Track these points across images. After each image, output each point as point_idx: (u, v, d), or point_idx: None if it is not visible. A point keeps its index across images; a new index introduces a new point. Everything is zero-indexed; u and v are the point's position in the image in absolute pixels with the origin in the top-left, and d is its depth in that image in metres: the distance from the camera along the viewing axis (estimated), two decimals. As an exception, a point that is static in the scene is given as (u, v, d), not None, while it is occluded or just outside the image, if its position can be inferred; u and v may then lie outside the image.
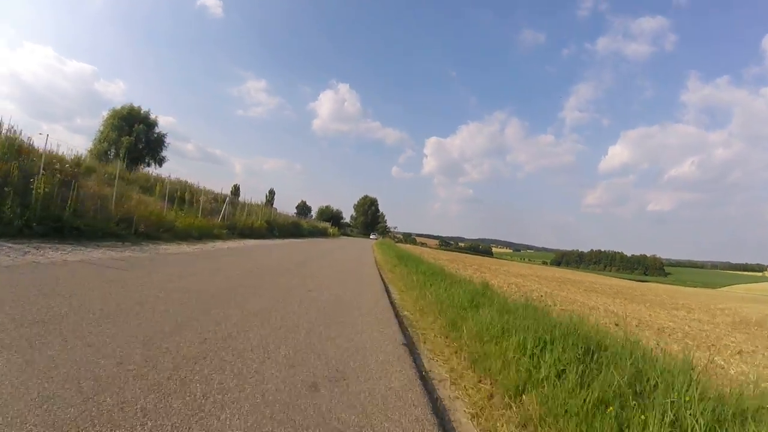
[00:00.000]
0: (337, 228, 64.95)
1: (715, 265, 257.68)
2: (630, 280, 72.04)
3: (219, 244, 13.46)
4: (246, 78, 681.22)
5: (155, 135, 38.76)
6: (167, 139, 40.21)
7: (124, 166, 24.78)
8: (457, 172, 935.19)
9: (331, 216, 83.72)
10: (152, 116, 38.44)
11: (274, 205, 49.45)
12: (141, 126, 36.07)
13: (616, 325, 7.40)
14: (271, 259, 11.48)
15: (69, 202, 9.63)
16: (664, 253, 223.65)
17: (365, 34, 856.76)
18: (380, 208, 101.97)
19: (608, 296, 18.53)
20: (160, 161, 38.97)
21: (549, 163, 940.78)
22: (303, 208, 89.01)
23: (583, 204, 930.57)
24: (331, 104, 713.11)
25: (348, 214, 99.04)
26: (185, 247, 10.51)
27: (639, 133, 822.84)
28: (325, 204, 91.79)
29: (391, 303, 6.69)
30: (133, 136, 35.51)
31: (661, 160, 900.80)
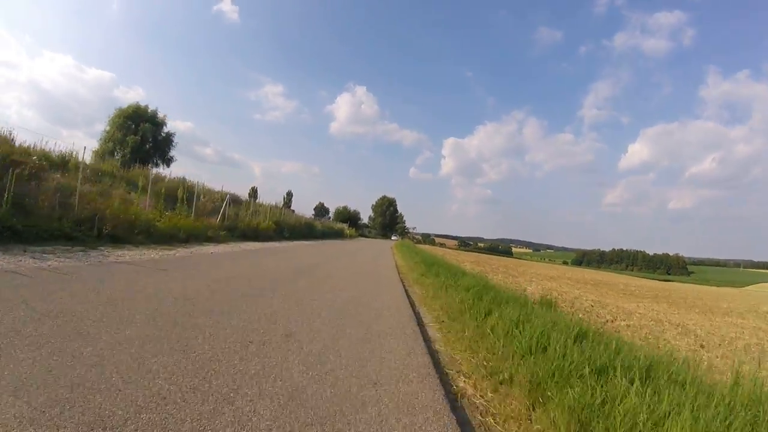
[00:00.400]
0: (354, 229, 63.06)
1: (737, 263, 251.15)
2: (655, 279, 70.02)
3: (207, 249, 11.27)
4: (263, 82, 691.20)
5: (163, 134, 37.38)
6: (176, 139, 38.87)
7: (119, 164, 23.36)
8: (475, 172, 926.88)
9: (348, 217, 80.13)
10: (160, 115, 37.09)
11: (291, 207, 48.58)
12: (147, 125, 34.63)
13: (702, 347, 7.01)
14: (257, 268, 9.00)
15: (6, 195, 7.59)
16: (685, 252, 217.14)
17: (381, 36, 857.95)
18: (398, 208, 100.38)
19: (650, 300, 17.50)
20: (168, 161, 37.59)
21: (568, 162, 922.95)
22: (321, 210, 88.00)
23: (603, 203, 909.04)
24: (349, 107, 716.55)
25: (366, 215, 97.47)
26: (152, 254, 8.27)
27: (658, 130, 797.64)
28: (342, 205, 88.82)
29: (432, 357, 3.71)
30: (139, 135, 34.07)
31: (681, 158, 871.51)
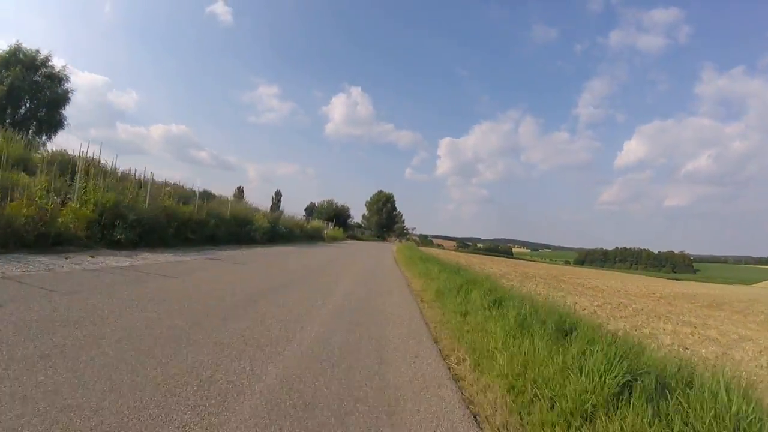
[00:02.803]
0: (340, 229, 49.05)
1: (738, 260, 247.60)
2: (666, 278, 64.82)
3: None
4: (258, 84, 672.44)
5: (58, 91, 25.28)
6: (84, 101, 26.76)
7: None
8: (471, 172, 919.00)
9: (334, 214, 60.12)
10: (53, 63, 25.01)
11: (281, 208, 42.90)
12: (18, 68, 22.43)
13: None
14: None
15: None
16: (683, 249, 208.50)
17: (375, 36, 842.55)
18: (396, 206, 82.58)
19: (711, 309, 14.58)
20: (56, 126, 25.19)
21: (564, 160, 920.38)
22: (312, 210, 76.16)
23: (600, 201, 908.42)
24: (344, 108, 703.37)
25: (360, 215, 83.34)
26: None
27: (654, 127, 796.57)
28: (327, 199, 67.03)
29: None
30: (5, 84, 21.92)
31: (677, 155, 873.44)
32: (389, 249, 28.74)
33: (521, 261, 69.21)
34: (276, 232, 19.90)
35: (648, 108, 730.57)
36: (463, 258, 32.34)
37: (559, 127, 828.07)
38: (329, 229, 44.13)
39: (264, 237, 17.23)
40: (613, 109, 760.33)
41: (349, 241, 40.59)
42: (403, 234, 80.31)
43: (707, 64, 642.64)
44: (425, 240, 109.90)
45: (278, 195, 66.11)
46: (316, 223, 37.16)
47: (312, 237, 28.52)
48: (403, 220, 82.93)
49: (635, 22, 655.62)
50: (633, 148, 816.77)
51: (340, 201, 65.19)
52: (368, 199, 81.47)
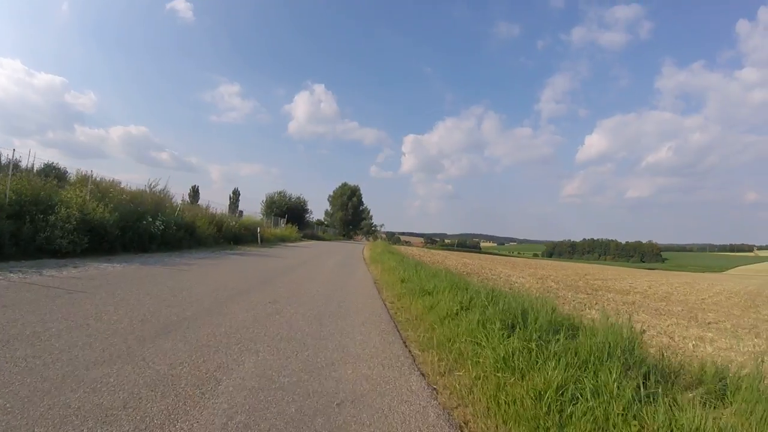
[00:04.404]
0: (294, 226, 38.73)
1: (702, 248, 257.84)
2: (639, 268, 65.73)
3: None
4: (219, 82, 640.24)
5: None
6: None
7: None
8: (436, 168, 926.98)
9: (287, 209, 47.83)
10: None
11: (239, 207, 39.97)
12: None
13: None
14: None
15: None
16: (646, 239, 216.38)
17: (339, 33, 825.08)
18: (363, 201, 73.04)
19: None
20: None
21: (527, 155, 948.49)
22: (271, 207, 67.97)
23: (562, 194, 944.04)
24: (307, 106, 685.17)
25: (321, 210, 73.81)
26: None
27: (615, 121, 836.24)
28: (277, 191, 52.71)
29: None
30: None
31: (638, 148, 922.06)
32: (357, 256, 21.00)
33: (483, 255, 66.40)
34: (140, 231, 12.30)
35: (610, 103, 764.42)
36: (453, 258, 26.14)
37: (522, 123, 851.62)
38: (281, 227, 35.95)
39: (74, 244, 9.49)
40: (575, 104, 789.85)
41: (304, 244, 31.28)
42: (371, 231, 72.77)
43: (668, 59, 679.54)
44: (392, 237, 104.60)
45: (236, 194, 59.64)
46: (249, 219, 27.95)
47: (238, 239, 20.65)
48: (371, 217, 74.60)
49: (597, 18, 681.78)
50: (595, 142, 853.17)
51: (295, 193, 53.02)
52: (331, 193, 72.59)
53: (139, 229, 12.44)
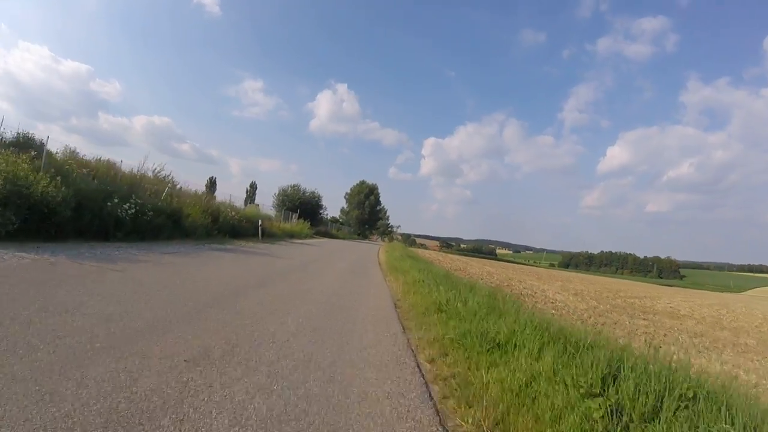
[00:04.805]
0: (307, 222, 35.41)
1: (719, 267, 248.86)
2: (658, 284, 65.97)
3: None
4: (243, 78, 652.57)
5: None
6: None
7: None
8: (455, 173, 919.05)
9: (300, 203, 44.47)
10: None
11: (256, 201, 38.81)
12: None
13: None
14: None
15: None
16: (664, 254, 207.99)
17: (364, 34, 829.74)
18: (381, 200, 70.59)
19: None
20: None
21: (548, 164, 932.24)
22: (283, 201, 67.17)
23: (582, 205, 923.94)
24: (330, 105, 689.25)
25: (338, 208, 71.48)
26: None
27: (638, 134, 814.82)
28: (291, 184, 49.47)
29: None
30: None
31: (660, 162, 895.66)
32: (372, 259, 17.95)
33: (501, 263, 66.16)
34: (103, 214, 9.75)
35: (632, 115, 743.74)
36: (474, 266, 23.76)
37: (544, 131, 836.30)
38: (292, 222, 33.39)
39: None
40: (598, 115, 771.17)
41: (313, 241, 28.03)
42: (387, 232, 69.95)
43: (693, 74, 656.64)
44: (408, 239, 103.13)
45: (253, 187, 60.97)
46: (252, 209, 24.92)
47: (236, 232, 18.04)
48: (388, 217, 71.89)
49: (623, 29, 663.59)
50: (616, 154, 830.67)
51: (310, 188, 50.28)
52: (348, 191, 70.14)
53: (101, 211, 9.97)
